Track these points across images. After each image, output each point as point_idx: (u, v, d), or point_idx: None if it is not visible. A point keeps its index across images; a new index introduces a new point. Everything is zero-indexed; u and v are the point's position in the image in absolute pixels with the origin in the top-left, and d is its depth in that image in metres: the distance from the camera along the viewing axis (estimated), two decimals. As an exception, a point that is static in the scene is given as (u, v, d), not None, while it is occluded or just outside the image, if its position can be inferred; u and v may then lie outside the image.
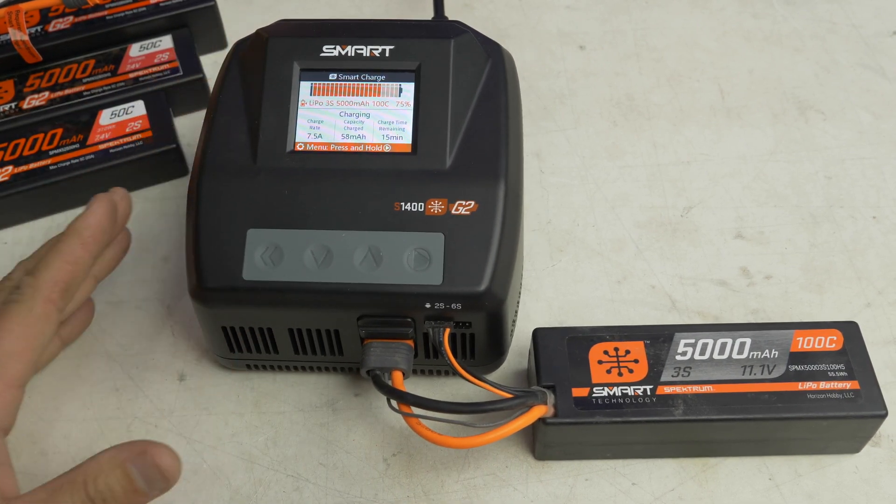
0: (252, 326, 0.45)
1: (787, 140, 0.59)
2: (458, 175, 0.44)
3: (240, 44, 0.50)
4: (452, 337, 0.45)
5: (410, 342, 0.44)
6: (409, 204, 0.44)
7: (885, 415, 0.42)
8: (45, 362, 0.44)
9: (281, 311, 0.44)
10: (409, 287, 0.42)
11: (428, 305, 0.42)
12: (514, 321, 0.48)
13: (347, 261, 0.43)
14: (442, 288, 0.42)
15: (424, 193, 0.44)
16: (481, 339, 0.45)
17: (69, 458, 0.46)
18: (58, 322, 0.41)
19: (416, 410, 0.42)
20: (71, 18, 0.61)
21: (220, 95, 0.47)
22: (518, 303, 0.49)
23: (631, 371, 0.43)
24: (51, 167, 0.55)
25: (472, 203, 0.44)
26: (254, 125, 0.46)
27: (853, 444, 0.45)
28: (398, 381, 0.43)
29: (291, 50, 0.47)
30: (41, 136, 0.56)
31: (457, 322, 0.43)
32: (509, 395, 0.42)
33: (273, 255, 0.43)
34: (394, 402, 0.43)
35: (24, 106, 0.58)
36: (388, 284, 0.42)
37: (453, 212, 0.44)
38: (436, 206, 0.44)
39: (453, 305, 0.42)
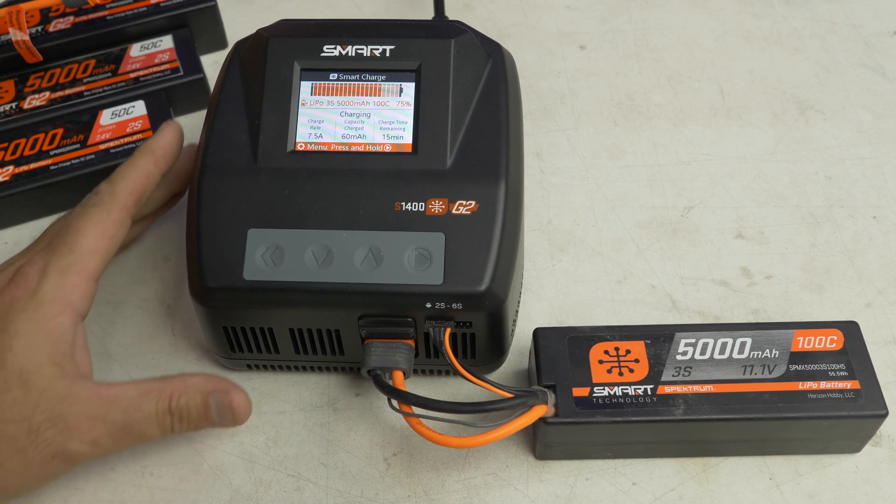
0: (253, 326, 0.45)
1: (787, 140, 0.59)
2: (459, 175, 0.44)
3: (240, 44, 0.50)
4: (453, 337, 0.45)
5: (411, 342, 0.44)
6: (409, 204, 0.44)
7: (886, 414, 0.42)
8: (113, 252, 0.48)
9: (281, 311, 0.44)
10: (409, 287, 0.42)
11: (428, 305, 0.42)
12: (514, 321, 0.48)
13: (348, 261, 0.43)
14: (442, 288, 0.42)
15: (425, 193, 0.44)
16: (482, 338, 0.45)
17: (70, 458, 0.46)
18: (129, 226, 0.46)
19: (416, 410, 0.42)
20: (71, 18, 0.61)
21: (221, 95, 0.47)
22: (518, 302, 0.49)
23: (631, 371, 0.43)
24: (51, 167, 0.55)
25: (473, 203, 0.44)
26: (254, 125, 0.46)
27: (854, 443, 0.45)
28: (399, 380, 0.43)
29: (292, 50, 0.47)
30: (42, 136, 0.56)
31: (457, 322, 0.43)
32: (510, 395, 0.42)
33: (274, 254, 0.43)
34: (394, 402, 0.43)
35: (25, 106, 0.58)
36: (388, 284, 0.42)
37: (454, 212, 0.44)
38: (436, 206, 0.44)
39: (454, 305, 0.42)
